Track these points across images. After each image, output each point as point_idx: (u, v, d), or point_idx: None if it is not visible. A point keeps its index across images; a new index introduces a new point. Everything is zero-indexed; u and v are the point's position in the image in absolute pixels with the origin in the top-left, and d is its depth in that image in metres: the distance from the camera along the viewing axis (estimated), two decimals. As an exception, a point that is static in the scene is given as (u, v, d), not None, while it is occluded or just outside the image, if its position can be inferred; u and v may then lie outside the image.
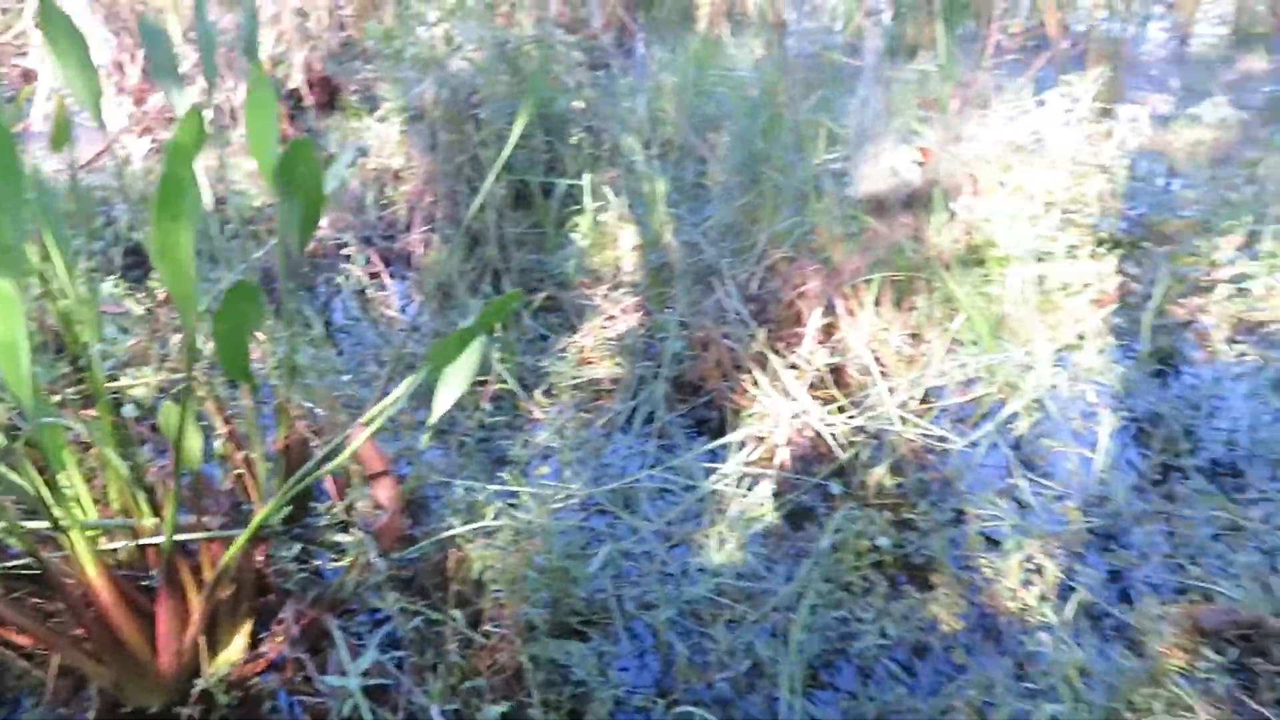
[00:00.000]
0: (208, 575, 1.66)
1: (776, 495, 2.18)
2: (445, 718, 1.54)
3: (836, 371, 2.56)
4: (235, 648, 1.75)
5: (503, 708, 1.52)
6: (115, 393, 2.05)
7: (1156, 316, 2.74)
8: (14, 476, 1.50)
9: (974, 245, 2.95)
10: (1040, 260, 2.87)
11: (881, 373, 2.51)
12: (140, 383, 2.00)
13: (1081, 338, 2.66)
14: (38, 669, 1.72)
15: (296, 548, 1.71)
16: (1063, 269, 2.89)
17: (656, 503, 2.17)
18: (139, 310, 2.27)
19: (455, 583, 1.77)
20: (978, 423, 2.40)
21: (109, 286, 2.30)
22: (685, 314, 2.68)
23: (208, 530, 1.67)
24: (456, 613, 1.66)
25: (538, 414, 2.41)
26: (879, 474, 2.22)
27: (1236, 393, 2.47)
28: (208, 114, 3.08)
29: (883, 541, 2.01)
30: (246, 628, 1.77)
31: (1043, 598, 1.84)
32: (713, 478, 2.20)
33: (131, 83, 4.39)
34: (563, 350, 2.71)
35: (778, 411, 2.36)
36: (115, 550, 1.78)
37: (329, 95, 4.73)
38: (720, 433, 2.37)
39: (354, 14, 5.30)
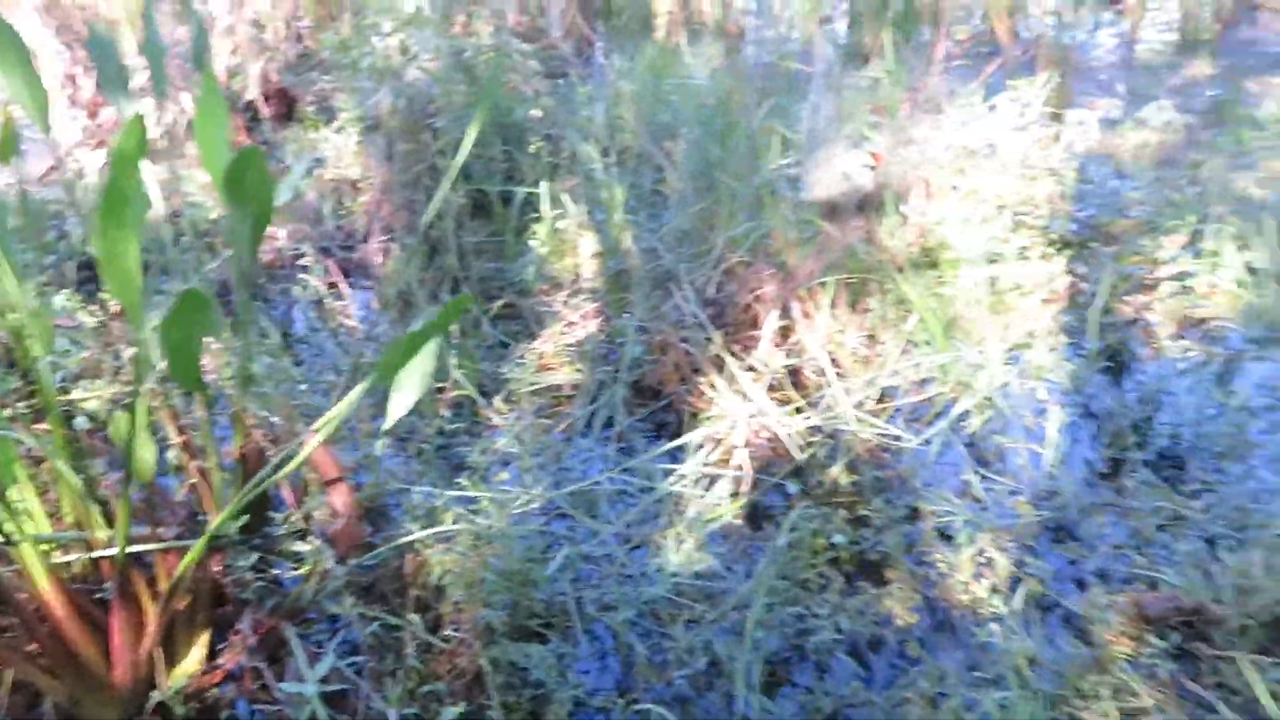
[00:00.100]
0: (163, 586, 1.66)
1: (734, 496, 2.21)
2: (404, 722, 1.55)
3: (793, 373, 2.59)
4: (192, 659, 1.74)
5: (460, 709, 1.52)
6: (67, 406, 2.04)
7: (1104, 315, 2.80)
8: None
9: (928, 248, 3.00)
10: (992, 262, 2.92)
11: (837, 374, 2.54)
12: (93, 395, 1.99)
13: (1032, 336, 2.71)
14: (-9, 685, 1.70)
15: (253, 557, 1.71)
16: (1014, 270, 2.94)
17: (616, 506, 2.19)
18: (91, 323, 2.26)
19: (414, 588, 1.78)
20: (932, 421, 2.44)
21: (61, 300, 2.28)
22: (644, 319, 2.71)
23: (162, 541, 1.67)
24: (415, 617, 1.66)
25: (497, 420, 2.42)
26: (835, 473, 2.25)
27: (1181, 387, 2.53)
28: (160, 127, 3.07)
29: (839, 539, 2.04)
30: (204, 639, 1.76)
31: (994, 590, 1.88)
32: (671, 479, 2.22)
33: (85, 96, 4.35)
34: (522, 357, 2.72)
35: (735, 413, 2.39)
36: (69, 564, 1.77)
37: (286, 107, 4.71)
38: (679, 436, 2.39)
39: (311, 25, 5.29)
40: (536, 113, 3.56)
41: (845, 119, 2.79)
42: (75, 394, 2.04)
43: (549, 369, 2.70)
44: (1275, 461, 2.23)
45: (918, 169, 3.01)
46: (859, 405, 2.45)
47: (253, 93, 4.55)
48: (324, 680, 1.55)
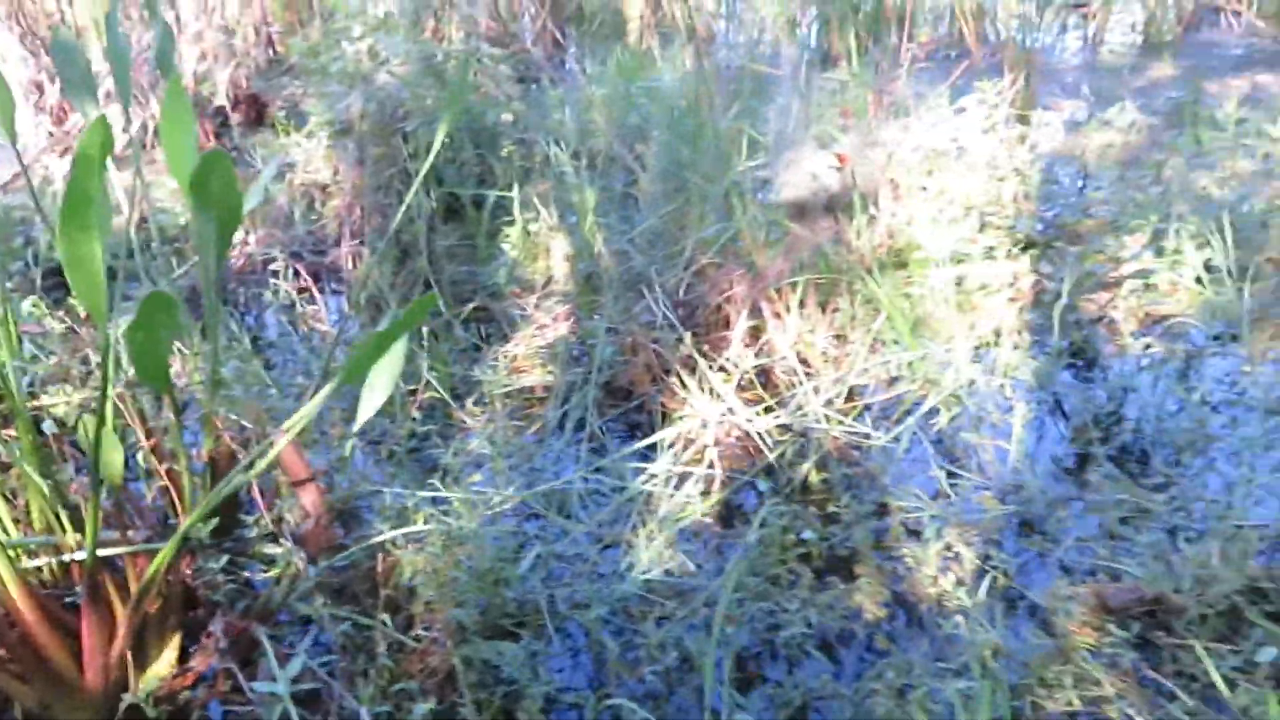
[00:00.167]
0: (133, 590, 1.66)
1: (705, 494, 2.23)
2: (376, 721, 1.56)
3: (764, 373, 2.62)
4: (164, 662, 1.74)
5: (431, 705, 1.53)
6: (36, 411, 2.03)
7: (1069, 312, 2.85)
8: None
9: (897, 248, 3.04)
10: (960, 262, 2.96)
11: (807, 373, 2.57)
12: (61, 400, 1.98)
13: (998, 334, 2.75)
14: (-41, 692, 1.69)
15: (224, 559, 1.71)
16: (981, 269, 2.99)
17: (588, 506, 2.20)
18: (59, 329, 2.25)
19: (386, 588, 1.78)
20: (901, 419, 2.47)
21: (28, 306, 2.27)
22: (615, 321, 2.73)
23: (132, 544, 1.66)
24: (386, 617, 1.67)
25: (469, 423, 2.42)
26: (805, 471, 2.28)
27: (1143, 383, 2.57)
28: (127, 134, 3.06)
29: (808, 535, 2.06)
30: (175, 642, 1.76)
31: (960, 583, 1.91)
32: (642, 479, 2.24)
33: (51, 102, 4.32)
34: (494, 359, 2.73)
35: (706, 413, 2.41)
36: (38, 569, 1.77)
37: (257, 112, 4.70)
38: (651, 436, 2.40)
39: (281, 31, 5.28)
40: (508, 117, 3.58)
41: (812, 121, 2.82)
42: (43, 400, 2.04)
43: (521, 371, 2.72)
44: (1234, 455, 2.27)
45: (885, 170, 3.05)
46: (828, 404, 2.48)
47: (222, 98, 4.53)
48: (297, 680, 1.55)
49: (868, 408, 2.53)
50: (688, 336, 2.58)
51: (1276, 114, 3.58)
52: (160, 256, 2.53)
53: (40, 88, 4.40)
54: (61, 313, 2.31)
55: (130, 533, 1.70)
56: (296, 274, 3.07)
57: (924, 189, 3.19)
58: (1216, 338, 2.74)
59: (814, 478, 2.27)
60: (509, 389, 2.62)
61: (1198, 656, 1.65)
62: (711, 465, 2.32)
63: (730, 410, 2.43)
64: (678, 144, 3.21)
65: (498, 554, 1.87)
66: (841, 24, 5.31)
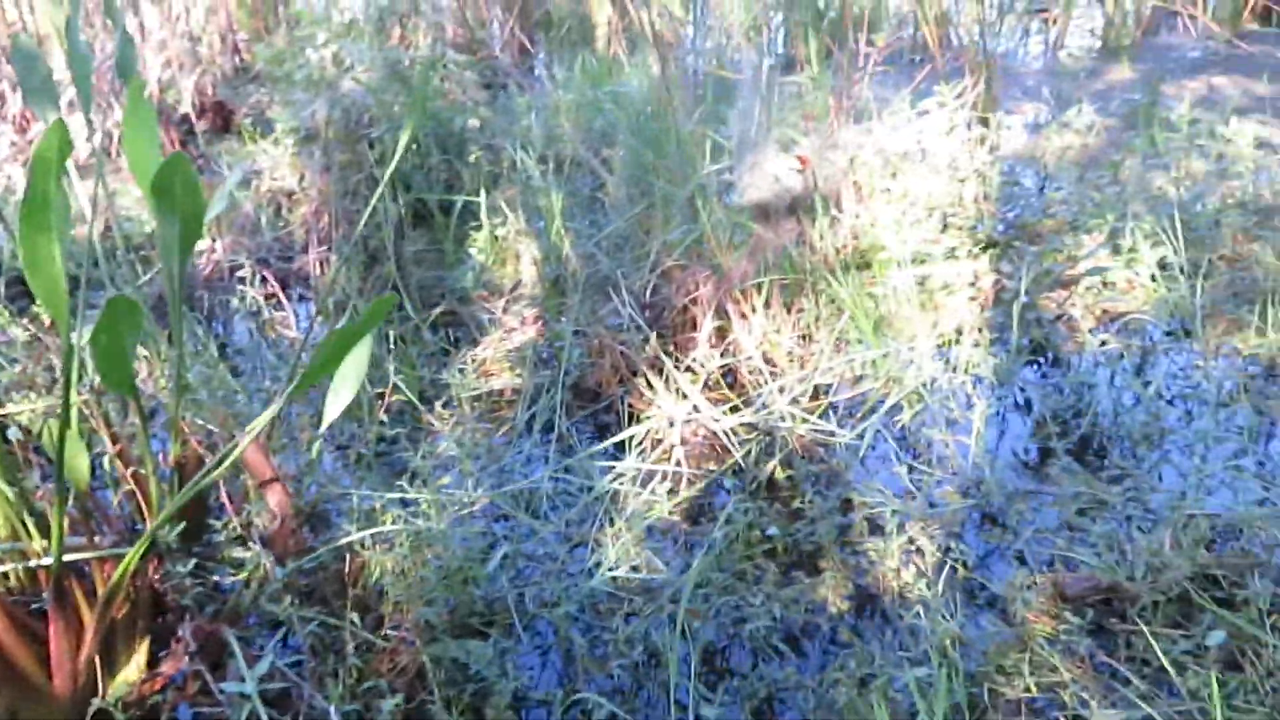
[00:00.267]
0: (101, 594, 1.66)
1: (672, 493, 2.25)
2: (344, 718, 1.57)
3: (730, 373, 2.65)
4: (133, 667, 1.74)
5: (399, 700, 1.55)
6: (0, 419, 2.02)
7: (1029, 310, 2.90)
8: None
9: (861, 249, 3.09)
10: (922, 262, 3.01)
11: (772, 372, 2.61)
12: (26, 408, 1.98)
13: (960, 332, 2.80)
14: (-76, 701, 1.68)
15: (192, 563, 1.71)
16: (943, 269, 3.04)
17: (557, 505, 2.22)
18: (23, 337, 2.24)
19: (354, 589, 1.79)
20: (865, 416, 2.51)
21: (-9, 314, 2.26)
22: (582, 323, 2.75)
23: (98, 550, 1.67)
24: (355, 616, 1.68)
25: (438, 426, 2.44)
26: (771, 468, 2.31)
27: (1101, 378, 2.62)
28: (90, 144, 3.04)
29: (773, 531, 2.10)
30: (144, 647, 1.76)
31: (921, 575, 1.95)
32: (609, 478, 2.26)
33: (13, 111, 4.29)
34: (463, 363, 2.74)
35: (673, 413, 2.44)
36: (5, 576, 1.76)
37: (223, 120, 4.69)
38: (619, 435, 2.43)
39: (248, 38, 5.26)
40: (475, 123, 3.60)
41: (774, 125, 2.86)
42: (8, 408, 2.03)
43: (490, 374, 2.73)
44: (1188, 447, 2.33)
45: (847, 172, 3.09)
46: (794, 402, 2.51)
47: (187, 106, 4.52)
48: (266, 681, 1.56)
49: (832, 406, 2.57)
50: (654, 338, 2.61)
51: (1228, 115, 3.66)
52: (125, 264, 2.53)
53: (2, 97, 4.36)
54: (26, 321, 2.30)
55: (97, 538, 1.71)
56: (264, 280, 3.07)
57: (887, 191, 3.25)
58: (1171, 333, 2.80)
59: (780, 475, 2.30)
60: (477, 392, 2.64)
61: (1150, 642, 1.70)
62: (679, 464, 2.35)
63: (696, 409, 2.46)
64: (643, 149, 3.24)
65: (466, 554, 1.89)
66: (806, 30, 5.37)
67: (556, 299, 2.93)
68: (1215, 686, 1.43)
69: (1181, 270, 2.92)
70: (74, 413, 1.54)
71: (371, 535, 1.84)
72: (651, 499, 2.20)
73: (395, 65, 3.12)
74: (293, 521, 1.83)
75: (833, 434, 2.43)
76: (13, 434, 1.88)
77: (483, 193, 3.23)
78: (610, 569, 1.96)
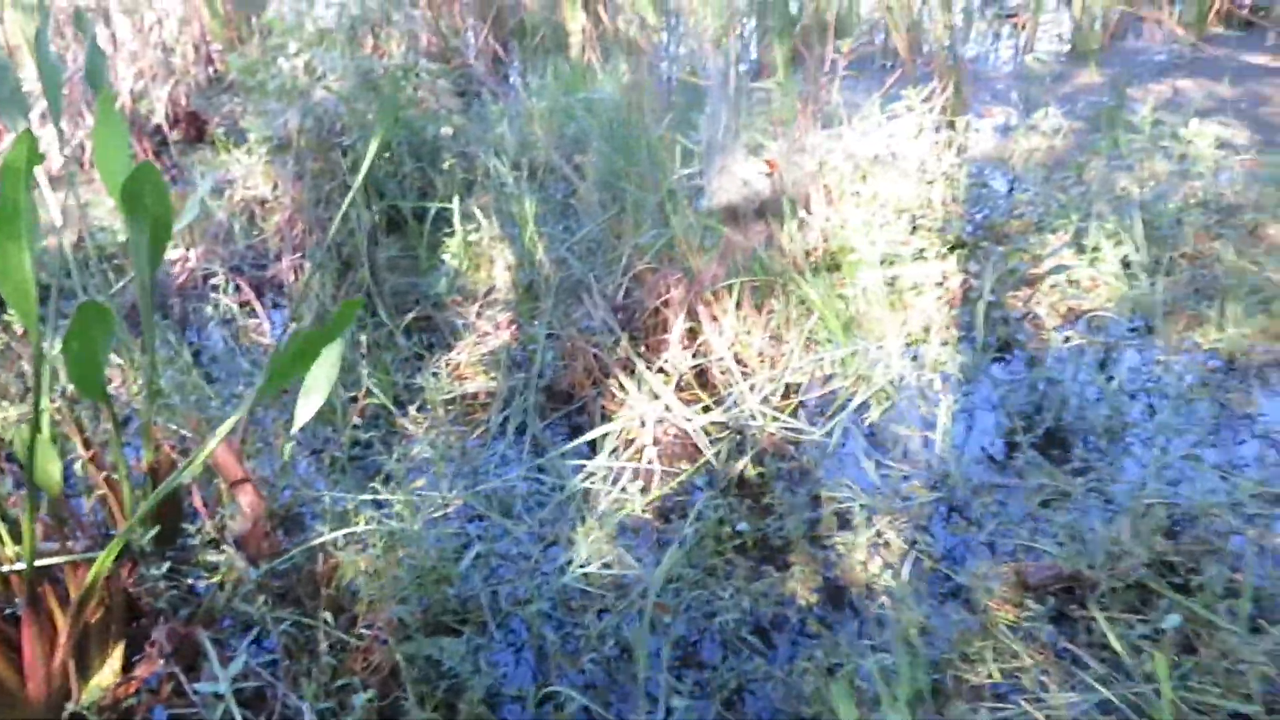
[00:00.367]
0: (74, 599, 1.67)
1: (644, 491, 2.28)
2: (319, 716, 1.58)
3: (701, 373, 2.68)
4: (107, 671, 1.76)
5: (371, 694, 1.57)
6: (-27, 428, 2.03)
7: (997, 309, 2.95)
8: None
9: (831, 251, 3.13)
10: (891, 263, 3.06)
11: (744, 373, 2.64)
12: (-1, 415, 1.99)
13: (928, 331, 2.85)
14: (-102, 708, 1.69)
15: (165, 566, 1.73)
16: (912, 270, 3.09)
17: (530, 505, 2.25)
18: (-4, 346, 2.25)
19: (328, 589, 1.81)
20: (834, 414, 2.55)
21: (-37, 324, 2.27)
22: (555, 326, 2.78)
23: (71, 554, 1.68)
24: (328, 615, 1.70)
25: (412, 429, 2.46)
26: (742, 466, 2.34)
27: (1066, 374, 2.67)
28: (63, 156, 3.06)
29: (744, 527, 2.13)
30: (118, 651, 1.77)
31: (888, 567, 1.98)
32: (580, 476, 2.29)
33: (-13, 123, 4.27)
34: (437, 367, 2.76)
35: (645, 413, 2.47)
36: (-23, 582, 1.77)
37: (196, 130, 4.69)
38: (593, 438, 2.46)
39: (221, 48, 5.27)
40: (448, 131, 3.62)
41: (742, 129, 2.90)
42: (-20, 416, 2.04)
43: (464, 378, 2.75)
44: (1149, 439, 2.38)
45: (816, 176, 3.14)
46: (765, 401, 2.55)
47: (160, 117, 4.52)
48: (241, 681, 1.58)
49: (803, 404, 2.61)
50: (626, 339, 2.64)
51: (1189, 117, 3.73)
52: (99, 273, 2.54)
53: (-26, 109, 4.35)
54: (-2, 330, 2.32)
55: (70, 544, 1.72)
56: (238, 288, 3.08)
57: (857, 194, 3.30)
58: (1134, 329, 2.85)
59: (750, 472, 2.34)
60: (451, 395, 2.66)
61: (1109, 627, 1.74)
62: (651, 463, 2.38)
63: (668, 409, 2.49)
64: (615, 154, 3.28)
65: (440, 554, 1.91)
66: (778, 36, 5.43)
67: (530, 303, 2.96)
68: (1163, 668, 1.47)
69: (1144, 268, 2.98)
70: (46, 419, 1.56)
71: (345, 536, 1.86)
72: (624, 498, 2.23)
73: (367, 74, 3.14)
74: (265, 523, 1.85)
75: (803, 432, 2.47)
76: (-15, 441, 1.89)
77: (456, 199, 3.26)
78: (582, 566, 1.99)
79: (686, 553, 2.00)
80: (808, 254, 3.09)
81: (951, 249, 3.22)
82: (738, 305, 2.76)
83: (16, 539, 1.77)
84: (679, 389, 2.60)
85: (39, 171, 1.68)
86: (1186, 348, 2.73)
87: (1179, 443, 2.35)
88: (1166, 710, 1.50)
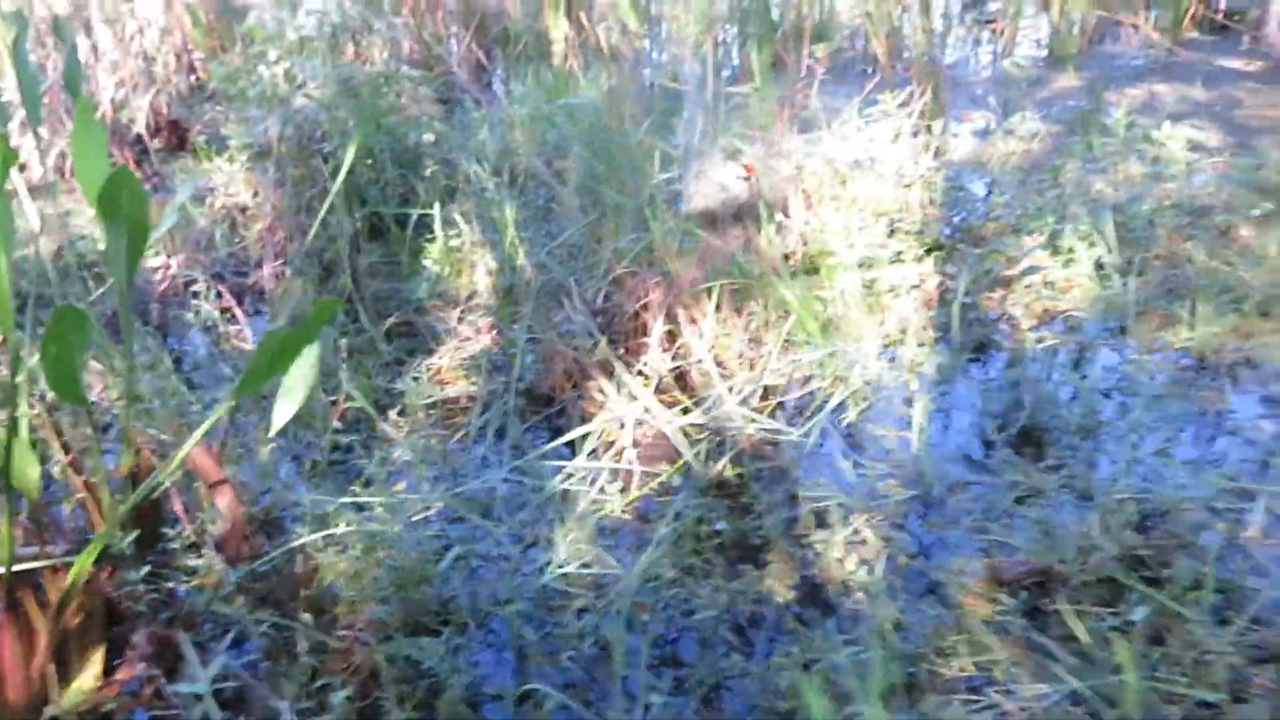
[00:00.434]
0: (53, 602, 1.68)
1: (624, 492, 2.30)
2: (298, 716, 1.60)
3: (681, 376, 2.71)
4: (88, 675, 1.76)
5: (349, 692, 1.58)
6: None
7: (973, 310, 2.99)
8: None
9: (810, 254, 3.17)
10: (869, 266, 3.09)
11: (722, 374, 2.66)
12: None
13: (904, 332, 2.88)
14: (-123, 714, 1.69)
15: (145, 569, 1.74)
16: (890, 272, 3.12)
17: (510, 507, 2.26)
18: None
19: (308, 591, 1.83)
20: (812, 415, 2.58)
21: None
22: (536, 330, 2.80)
23: (50, 559, 1.69)
24: (308, 617, 1.71)
25: (393, 433, 2.47)
26: (721, 467, 2.36)
27: (1041, 374, 2.71)
28: (43, 166, 3.06)
29: (722, 526, 2.15)
30: (99, 655, 1.78)
31: (864, 564, 2.00)
32: (560, 478, 2.31)
33: (-33, 132, 4.27)
34: (418, 372, 2.78)
35: (624, 415, 2.49)
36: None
37: (178, 138, 4.70)
38: (572, 439, 2.48)
39: (203, 57, 5.28)
40: (430, 138, 3.64)
41: (720, 134, 2.93)
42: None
43: (445, 382, 2.77)
44: (1121, 437, 2.41)
45: (794, 180, 3.17)
46: (744, 403, 2.57)
47: (141, 125, 4.52)
48: (222, 682, 1.59)
49: (781, 405, 2.63)
50: (605, 342, 2.66)
51: (1162, 120, 3.78)
52: (79, 281, 2.55)
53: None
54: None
55: (49, 548, 1.73)
56: (219, 295, 3.09)
57: (836, 198, 3.33)
58: (1107, 329, 2.89)
59: (729, 473, 2.36)
60: (432, 399, 2.67)
61: (1080, 620, 1.77)
62: (630, 464, 2.39)
63: (648, 411, 2.51)
64: (595, 160, 3.30)
65: (420, 556, 1.93)
66: (758, 41, 5.47)
67: (510, 307, 2.98)
68: (1130, 658, 1.50)
69: (1117, 269, 3.02)
70: (24, 423, 1.57)
71: (325, 538, 1.87)
72: (603, 499, 2.25)
73: (348, 81, 3.16)
74: (245, 525, 1.86)
75: (781, 432, 2.50)
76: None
77: (438, 205, 3.28)
78: (562, 566, 2.01)
79: (665, 552, 2.02)
80: (786, 257, 3.12)
81: (929, 251, 3.26)
82: (717, 308, 2.79)
83: (-4, 544, 1.78)
84: (658, 391, 2.62)
85: (18, 180, 1.69)
86: (1159, 347, 2.77)
87: (1151, 440, 2.38)
88: (1130, 699, 1.53)
